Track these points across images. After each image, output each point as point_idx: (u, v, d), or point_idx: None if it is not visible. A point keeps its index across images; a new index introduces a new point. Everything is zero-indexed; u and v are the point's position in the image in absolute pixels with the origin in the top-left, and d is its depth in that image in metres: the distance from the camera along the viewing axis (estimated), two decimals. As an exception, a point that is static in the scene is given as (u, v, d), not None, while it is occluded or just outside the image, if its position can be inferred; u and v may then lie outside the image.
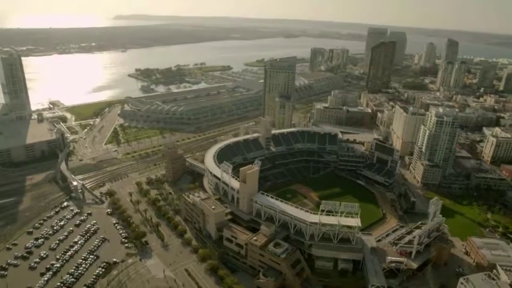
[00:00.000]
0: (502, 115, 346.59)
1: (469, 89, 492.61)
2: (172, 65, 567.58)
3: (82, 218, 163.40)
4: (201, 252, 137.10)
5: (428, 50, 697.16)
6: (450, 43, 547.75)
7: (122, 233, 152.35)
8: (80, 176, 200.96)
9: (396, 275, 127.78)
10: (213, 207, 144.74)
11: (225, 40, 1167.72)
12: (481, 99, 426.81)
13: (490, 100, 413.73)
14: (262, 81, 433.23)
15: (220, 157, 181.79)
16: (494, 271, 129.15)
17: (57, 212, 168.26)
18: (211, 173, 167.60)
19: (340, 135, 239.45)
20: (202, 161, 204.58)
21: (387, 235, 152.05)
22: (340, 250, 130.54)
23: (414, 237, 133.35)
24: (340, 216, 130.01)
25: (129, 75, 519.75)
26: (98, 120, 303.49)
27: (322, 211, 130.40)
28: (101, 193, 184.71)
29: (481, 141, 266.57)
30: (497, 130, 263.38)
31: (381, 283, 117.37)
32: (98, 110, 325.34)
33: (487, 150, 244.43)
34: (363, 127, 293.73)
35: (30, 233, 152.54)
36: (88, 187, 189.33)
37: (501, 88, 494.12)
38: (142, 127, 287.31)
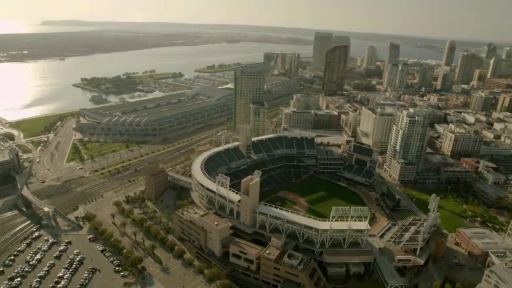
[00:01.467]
0: (447, 112, 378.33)
1: (412, 89, 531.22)
2: (119, 73, 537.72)
3: (62, 248, 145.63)
4: (208, 272, 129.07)
5: (369, 53, 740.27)
6: (392, 46, 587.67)
7: (114, 260, 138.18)
8: (47, 200, 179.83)
9: (403, 273, 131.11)
10: (215, 223, 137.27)
11: (169, 47, 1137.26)
12: (425, 98, 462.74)
13: (433, 99, 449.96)
14: (222, 87, 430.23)
15: (205, 169, 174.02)
16: (489, 258, 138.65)
17: (29, 244, 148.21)
18: (203, 186, 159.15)
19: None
20: (184, 174, 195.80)
21: (383, 234, 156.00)
22: (351, 255, 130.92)
23: (419, 233, 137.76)
24: (350, 220, 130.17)
25: (74, 85, 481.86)
26: (51, 135, 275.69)
27: (333, 217, 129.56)
28: (77, 217, 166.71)
29: (438, 137, 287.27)
30: (451, 126, 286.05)
31: (399, 282, 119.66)
32: (49, 124, 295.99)
33: (447, 145, 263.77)
34: (330, 130, 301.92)
35: (1, 272, 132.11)
36: (60, 212, 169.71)
37: (438, 87, 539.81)
38: (104, 141, 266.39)
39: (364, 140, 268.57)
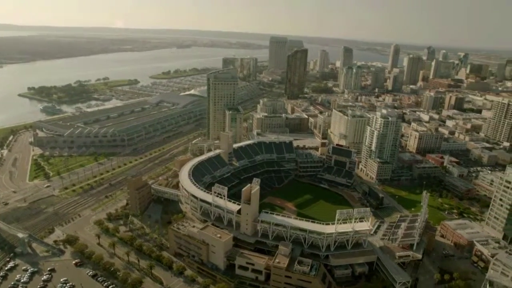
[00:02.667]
0: (403, 111, 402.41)
1: (366, 90, 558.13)
2: (70, 81, 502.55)
3: (45, 277, 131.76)
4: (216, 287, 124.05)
5: (322, 57, 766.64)
6: (345, 50, 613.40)
7: (109, 285, 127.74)
8: (16, 224, 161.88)
9: (403, 268, 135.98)
10: (218, 235, 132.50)
11: (117, 53, 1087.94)
12: (380, 98, 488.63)
13: (388, 99, 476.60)
14: (185, 93, 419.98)
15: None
16: (475, 246, 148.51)
17: (4, 277, 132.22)
18: (197, 198, 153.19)
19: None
20: (167, 186, 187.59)
21: (375, 232, 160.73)
22: (356, 256, 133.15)
23: (412, 229, 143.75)
24: (354, 222, 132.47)
25: (20, 95, 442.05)
26: (5, 151, 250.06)
27: (338, 220, 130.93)
28: (55, 241, 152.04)
29: (402, 136, 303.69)
30: (413, 125, 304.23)
31: (406, 278, 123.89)
32: (0, 139, 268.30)
33: (411, 143, 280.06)
34: (302, 133, 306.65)
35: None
36: (35, 236, 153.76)
37: (389, 88, 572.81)
38: (69, 154, 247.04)
39: (336, 141, 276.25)
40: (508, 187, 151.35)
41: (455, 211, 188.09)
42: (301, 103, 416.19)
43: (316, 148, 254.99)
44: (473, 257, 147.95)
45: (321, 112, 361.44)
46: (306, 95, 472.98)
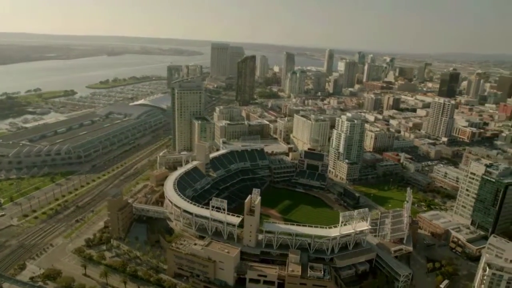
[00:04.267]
0: (350, 112, 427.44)
1: (309, 94, 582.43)
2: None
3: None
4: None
5: (262, 62, 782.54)
6: (288, 56, 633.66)
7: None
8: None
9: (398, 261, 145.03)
10: (226, 250, 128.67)
11: (41, 61, 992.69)
12: (325, 101, 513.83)
13: (333, 102, 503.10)
14: (134, 103, 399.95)
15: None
16: (452, 234, 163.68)
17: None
18: (191, 214, 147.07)
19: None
20: (147, 203, 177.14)
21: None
22: (357, 255, 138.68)
23: (399, 224, 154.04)
24: (355, 223, 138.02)
25: None
26: None
27: (342, 222, 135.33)
28: (32, 278, 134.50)
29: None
30: (366, 126, 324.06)
31: (408, 271, 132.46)
32: None
33: (368, 142, 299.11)
34: (266, 139, 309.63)
35: None
36: (5, 275, 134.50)
37: (331, 91, 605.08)
38: (18, 177, 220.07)
39: (300, 145, 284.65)
40: (473, 179, 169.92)
41: (423, 203, 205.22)
42: (255, 109, 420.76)
43: (284, 154, 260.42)
44: (450, 243, 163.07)
45: (277, 118, 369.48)
46: (257, 101, 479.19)
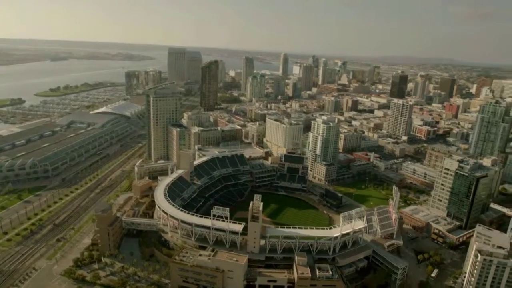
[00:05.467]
0: (313, 115, 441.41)
1: (270, 97, 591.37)
2: None
3: None
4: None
5: (220, 67, 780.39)
6: (247, 60, 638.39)
7: None
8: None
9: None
10: (235, 259, 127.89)
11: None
12: (287, 105, 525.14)
13: (295, 105, 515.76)
14: (95, 111, 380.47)
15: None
16: (433, 226, 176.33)
17: None
18: (191, 224, 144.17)
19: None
20: (135, 216, 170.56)
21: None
22: (356, 253, 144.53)
23: (387, 220, 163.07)
24: (353, 222, 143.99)
25: None
26: None
27: (343, 222, 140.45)
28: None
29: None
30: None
31: (404, 264, 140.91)
32: None
33: (338, 143, 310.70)
34: (240, 144, 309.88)
35: None
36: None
37: (290, 94, 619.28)
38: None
39: (275, 149, 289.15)
40: (447, 174, 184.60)
41: (400, 199, 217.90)
42: (221, 114, 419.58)
43: (260, 158, 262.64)
44: (432, 235, 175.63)
45: (245, 122, 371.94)
46: (221, 107, 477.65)
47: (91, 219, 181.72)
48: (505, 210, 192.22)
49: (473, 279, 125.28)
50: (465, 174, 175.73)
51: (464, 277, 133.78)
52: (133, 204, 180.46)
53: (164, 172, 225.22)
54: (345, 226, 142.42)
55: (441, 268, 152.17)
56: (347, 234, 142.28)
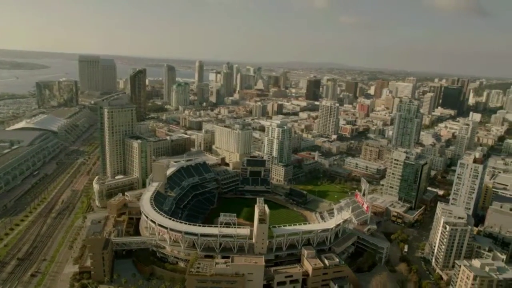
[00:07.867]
0: (245, 119, 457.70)
1: (194, 105, 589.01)
2: None
3: None
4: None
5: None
6: (169, 68, 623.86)
7: None
8: None
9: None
10: (254, 261, 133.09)
11: None
12: (215, 111, 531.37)
13: (224, 111, 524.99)
14: (12, 128, 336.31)
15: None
16: (390, 210, 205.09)
17: None
18: (196, 235, 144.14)
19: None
20: (121, 236, 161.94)
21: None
22: (347, 240, 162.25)
23: (358, 209, 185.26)
24: (342, 213, 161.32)
25: None
26: None
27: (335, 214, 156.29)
28: None
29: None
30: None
31: (386, 244, 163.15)
32: None
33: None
34: (191, 153, 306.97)
35: None
36: None
37: (214, 101, 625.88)
38: None
39: (228, 155, 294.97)
40: (396, 164, 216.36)
41: (355, 191, 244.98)
42: (156, 124, 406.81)
43: (216, 165, 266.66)
44: (391, 217, 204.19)
45: (187, 130, 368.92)
46: (153, 116, 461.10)
47: (63, 245, 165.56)
48: (437, 190, 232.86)
49: (443, 246, 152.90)
50: (412, 163, 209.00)
51: (434, 246, 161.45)
52: (114, 224, 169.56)
53: (126, 188, 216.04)
54: (335, 218, 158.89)
55: (408, 243, 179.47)
56: (339, 224, 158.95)
